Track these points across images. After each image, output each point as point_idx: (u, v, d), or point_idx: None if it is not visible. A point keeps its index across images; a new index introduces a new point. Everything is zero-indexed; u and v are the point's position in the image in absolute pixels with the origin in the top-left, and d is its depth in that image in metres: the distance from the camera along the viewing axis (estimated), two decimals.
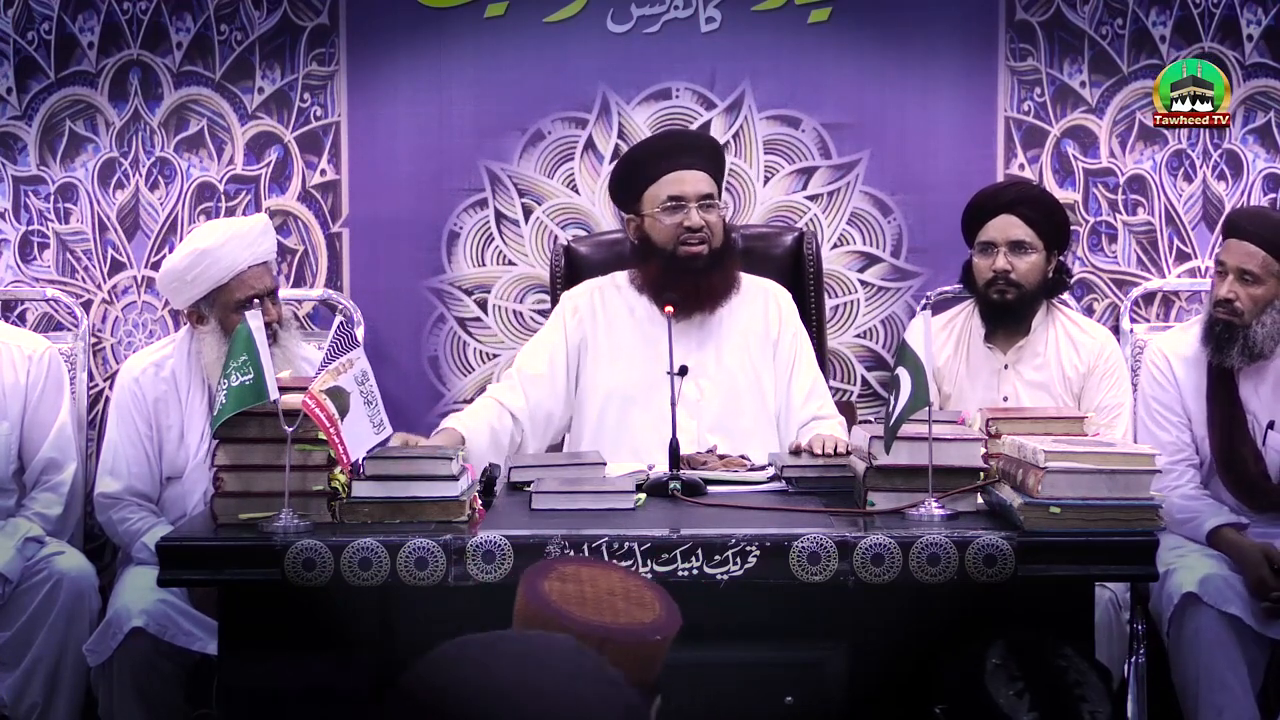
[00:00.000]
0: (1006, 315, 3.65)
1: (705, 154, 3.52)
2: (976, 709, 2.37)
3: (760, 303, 3.52)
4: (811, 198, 4.12)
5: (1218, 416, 3.52)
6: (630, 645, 1.71)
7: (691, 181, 3.43)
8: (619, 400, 3.42)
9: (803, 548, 2.48)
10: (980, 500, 2.70)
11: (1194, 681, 3.26)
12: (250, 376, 2.54)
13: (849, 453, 2.95)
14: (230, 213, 4.12)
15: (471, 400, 4.01)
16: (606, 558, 2.45)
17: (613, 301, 3.52)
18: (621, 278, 3.56)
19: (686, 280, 3.39)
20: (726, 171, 3.70)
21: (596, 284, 3.59)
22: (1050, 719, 2.35)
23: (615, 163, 3.72)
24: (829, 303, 4.04)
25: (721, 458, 3.18)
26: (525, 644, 1.40)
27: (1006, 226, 3.60)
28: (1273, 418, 3.50)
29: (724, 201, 3.61)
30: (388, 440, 2.71)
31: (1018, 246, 3.60)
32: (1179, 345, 3.61)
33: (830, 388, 3.83)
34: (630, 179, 3.52)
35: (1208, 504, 3.49)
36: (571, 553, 2.46)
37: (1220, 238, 3.68)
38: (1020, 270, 3.59)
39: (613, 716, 1.33)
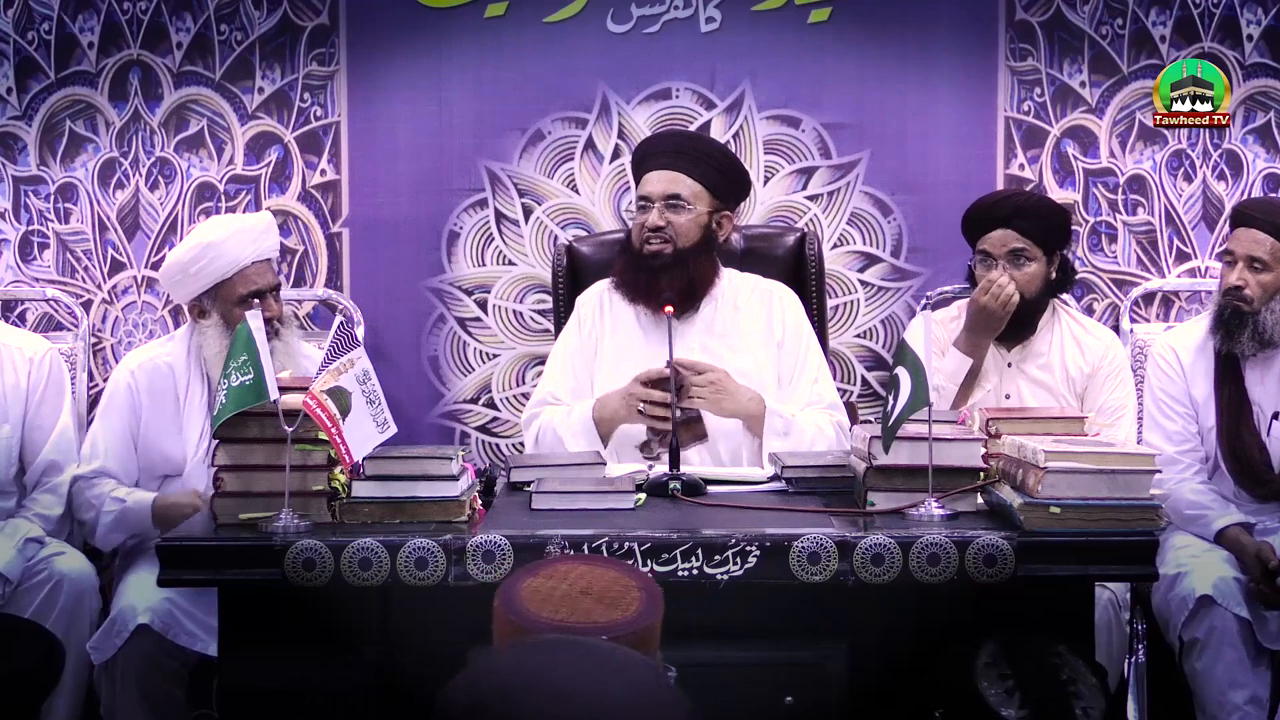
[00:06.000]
0: (1010, 319, 3.65)
1: (690, 156, 3.47)
2: (970, 708, 2.37)
3: (763, 304, 3.51)
4: (811, 198, 4.12)
5: (1224, 404, 3.52)
6: None
7: (660, 181, 3.43)
8: None
9: (803, 548, 2.48)
10: (980, 500, 2.70)
11: (1210, 682, 3.25)
12: (250, 376, 2.54)
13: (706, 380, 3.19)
14: (230, 213, 4.12)
15: (475, 400, 4.02)
16: (606, 558, 2.45)
17: (618, 303, 3.52)
18: None
19: (643, 278, 3.42)
20: (725, 176, 3.52)
21: (607, 284, 3.58)
22: (1041, 716, 2.34)
23: None
24: (829, 303, 4.04)
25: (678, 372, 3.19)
26: (569, 647, 1.43)
27: (1004, 240, 3.59)
28: (1278, 409, 3.50)
29: (715, 206, 3.44)
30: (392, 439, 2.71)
31: (1016, 256, 3.58)
32: (1187, 337, 3.63)
33: None
34: (634, 177, 3.57)
35: (1216, 500, 3.49)
36: (571, 552, 2.46)
37: (1228, 229, 3.69)
38: (1021, 281, 3.58)
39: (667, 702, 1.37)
